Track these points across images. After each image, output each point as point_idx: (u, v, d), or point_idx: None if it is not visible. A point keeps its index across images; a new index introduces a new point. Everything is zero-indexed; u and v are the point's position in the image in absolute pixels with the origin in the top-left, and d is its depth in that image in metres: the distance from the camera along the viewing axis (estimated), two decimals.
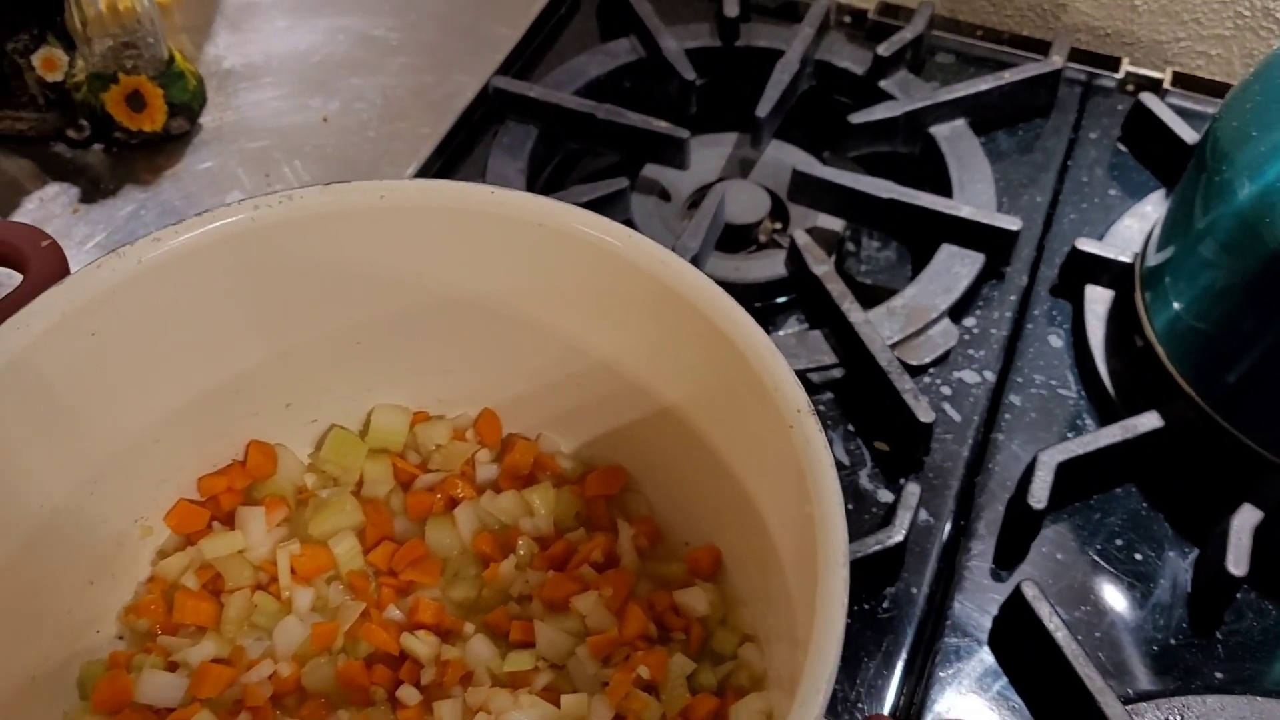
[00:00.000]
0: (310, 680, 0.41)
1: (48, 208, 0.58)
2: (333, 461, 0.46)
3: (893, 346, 0.52)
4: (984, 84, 0.62)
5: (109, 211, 0.58)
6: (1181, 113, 0.62)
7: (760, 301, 0.58)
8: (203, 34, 0.67)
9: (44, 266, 0.38)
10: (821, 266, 0.54)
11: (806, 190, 0.59)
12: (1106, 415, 0.51)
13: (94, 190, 0.59)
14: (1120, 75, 0.66)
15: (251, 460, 0.44)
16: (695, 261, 0.54)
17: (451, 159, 0.62)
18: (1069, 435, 0.51)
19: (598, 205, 0.57)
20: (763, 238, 0.61)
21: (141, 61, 0.59)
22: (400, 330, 0.44)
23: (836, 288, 0.53)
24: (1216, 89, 0.66)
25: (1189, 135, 0.60)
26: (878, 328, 0.52)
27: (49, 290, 0.36)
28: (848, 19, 0.70)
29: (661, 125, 0.60)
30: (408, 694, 0.40)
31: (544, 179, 0.63)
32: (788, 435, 0.33)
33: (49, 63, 0.59)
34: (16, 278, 0.40)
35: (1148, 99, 0.62)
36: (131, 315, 0.38)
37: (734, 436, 0.39)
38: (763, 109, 0.61)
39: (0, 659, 0.37)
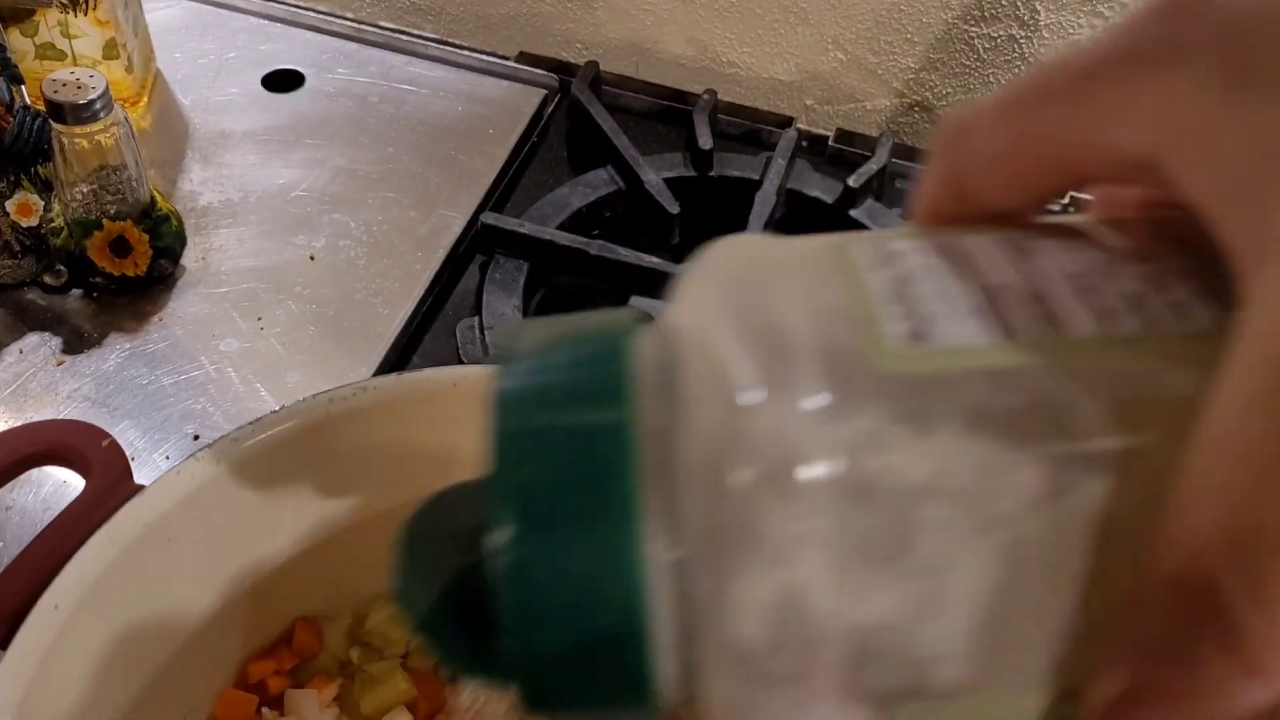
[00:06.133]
0: None
1: (29, 359, 0.56)
2: (378, 634, 0.45)
3: None
4: None
5: (95, 363, 0.56)
6: None
7: None
8: (175, 169, 0.66)
9: (107, 469, 0.37)
10: None
11: None
12: None
13: (77, 340, 0.57)
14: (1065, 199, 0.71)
15: (298, 639, 0.44)
16: None
17: (441, 295, 0.62)
18: None
19: None
20: None
21: (125, 206, 0.58)
22: None
23: None
24: None
25: None
26: None
27: (131, 504, 0.35)
28: (805, 144, 0.73)
29: (653, 261, 0.62)
30: None
31: (533, 310, 0.63)
32: None
33: (24, 209, 0.57)
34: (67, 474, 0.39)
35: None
36: (203, 516, 0.37)
37: None
38: None
39: None
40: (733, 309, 0.18)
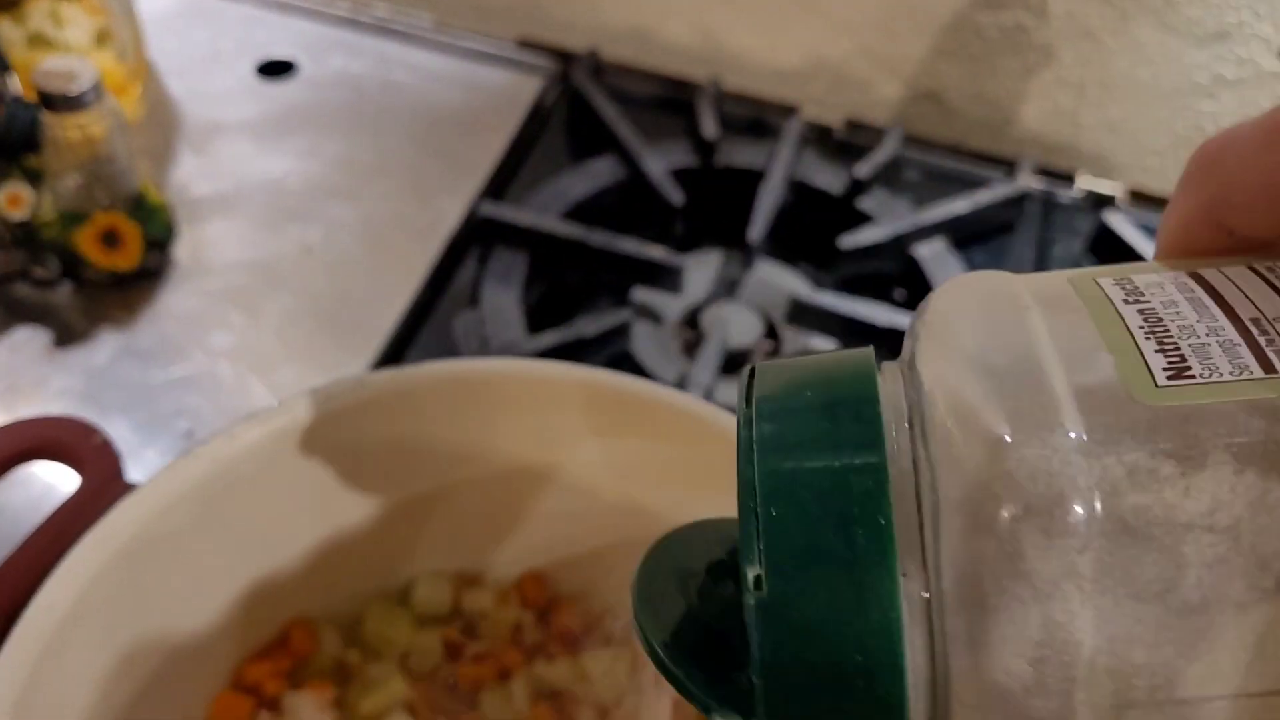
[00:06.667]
0: None
1: (20, 354, 0.55)
2: (376, 636, 0.44)
3: None
4: (960, 205, 0.65)
5: (85, 357, 0.55)
6: (1144, 227, 0.66)
7: None
8: (165, 159, 0.64)
9: (99, 466, 0.36)
10: None
11: (805, 316, 0.59)
12: None
13: (67, 334, 0.56)
14: (1075, 192, 0.70)
15: (294, 641, 0.42)
16: (710, 392, 0.55)
17: (438, 287, 0.61)
18: None
19: (605, 338, 0.57)
20: (759, 359, 0.61)
21: (115, 197, 0.56)
22: (450, 499, 0.43)
23: None
24: (1162, 203, 0.70)
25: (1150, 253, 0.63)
26: None
27: (123, 504, 0.34)
28: (811, 133, 0.72)
29: (657, 254, 0.60)
30: None
31: (534, 302, 0.62)
32: None
33: (14, 200, 0.56)
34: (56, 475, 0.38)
35: (1111, 218, 0.66)
36: (197, 516, 0.36)
37: None
38: (754, 234, 0.62)
39: None
40: (980, 346, 0.18)
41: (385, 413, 0.39)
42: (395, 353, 0.57)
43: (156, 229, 0.58)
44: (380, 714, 0.42)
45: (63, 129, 0.54)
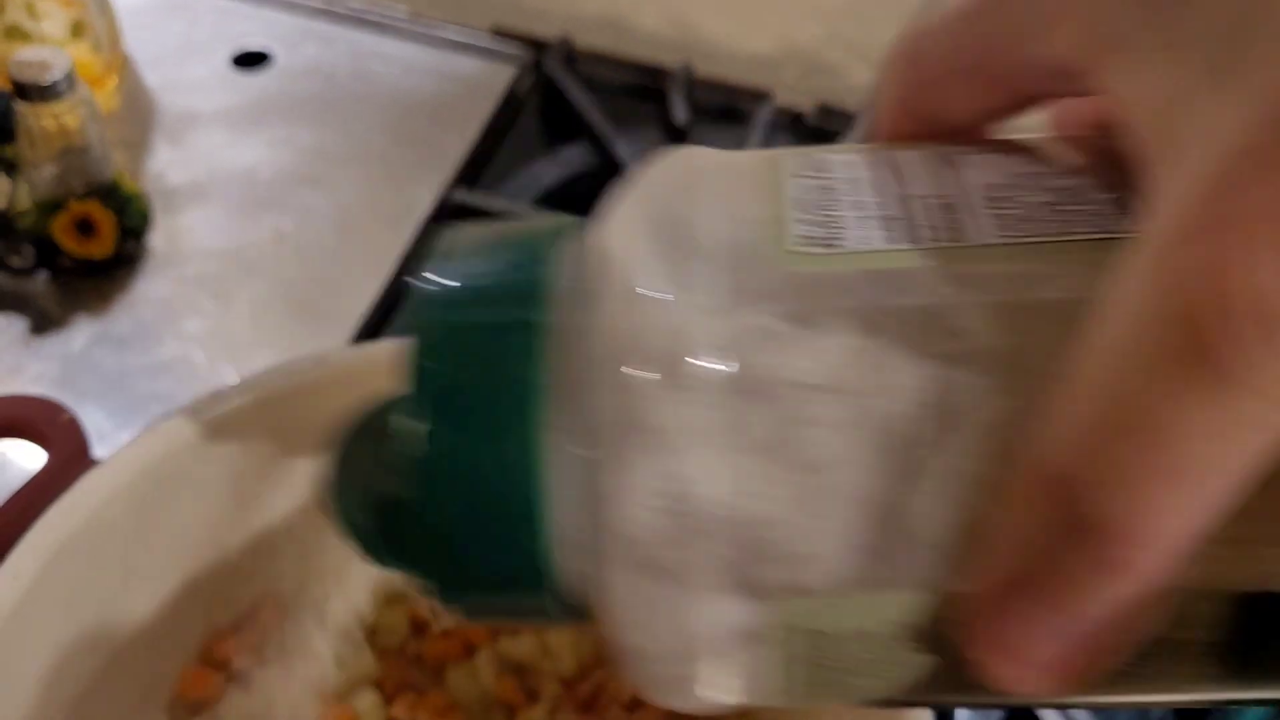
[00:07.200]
0: None
1: None
2: (344, 611, 0.45)
3: None
4: None
5: (62, 344, 0.56)
6: None
7: None
8: (141, 149, 0.65)
9: (66, 444, 0.37)
10: None
11: None
12: None
13: (43, 322, 0.57)
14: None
15: (263, 617, 0.43)
16: None
17: (411, 273, 0.62)
18: None
19: None
20: None
21: (89, 186, 0.57)
22: None
23: None
24: None
25: None
26: None
27: (88, 476, 0.34)
28: (784, 118, 0.73)
29: None
30: None
31: None
32: None
33: None
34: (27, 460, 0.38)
35: None
36: (160, 491, 0.37)
37: None
38: None
39: None
40: (650, 212, 0.18)
41: (348, 389, 0.39)
42: (369, 337, 0.58)
43: (131, 217, 0.59)
44: (348, 689, 0.43)
45: (37, 119, 0.55)
